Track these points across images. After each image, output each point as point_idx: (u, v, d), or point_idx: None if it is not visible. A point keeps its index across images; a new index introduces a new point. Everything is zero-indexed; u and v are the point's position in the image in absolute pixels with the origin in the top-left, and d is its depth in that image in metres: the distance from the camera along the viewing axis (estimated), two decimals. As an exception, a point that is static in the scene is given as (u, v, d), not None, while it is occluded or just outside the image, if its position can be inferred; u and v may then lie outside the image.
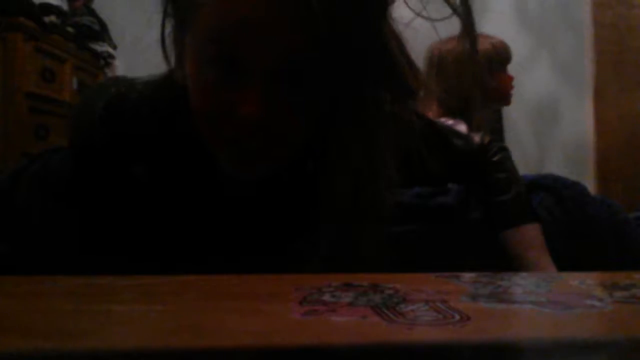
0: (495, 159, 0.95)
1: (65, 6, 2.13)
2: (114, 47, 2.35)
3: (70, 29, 2.07)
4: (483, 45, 1.65)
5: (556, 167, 2.53)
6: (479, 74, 1.62)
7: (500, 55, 1.72)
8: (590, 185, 2.56)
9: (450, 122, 1.50)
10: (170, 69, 0.72)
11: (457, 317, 0.43)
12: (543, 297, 0.51)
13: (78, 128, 0.71)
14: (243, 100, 0.56)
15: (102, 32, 2.28)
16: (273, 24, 0.53)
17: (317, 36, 0.53)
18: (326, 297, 0.50)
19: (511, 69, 2.49)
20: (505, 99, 1.77)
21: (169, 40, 0.72)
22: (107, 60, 2.32)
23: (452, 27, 0.64)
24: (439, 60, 1.62)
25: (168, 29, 0.72)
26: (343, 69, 0.57)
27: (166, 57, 0.72)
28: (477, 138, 0.98)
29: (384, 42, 0.61)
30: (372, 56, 0.58)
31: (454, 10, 0.63)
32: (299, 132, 0.61)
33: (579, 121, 2.53)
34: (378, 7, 0.63)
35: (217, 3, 0.55)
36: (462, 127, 1.52)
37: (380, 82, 0.61)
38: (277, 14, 0.53)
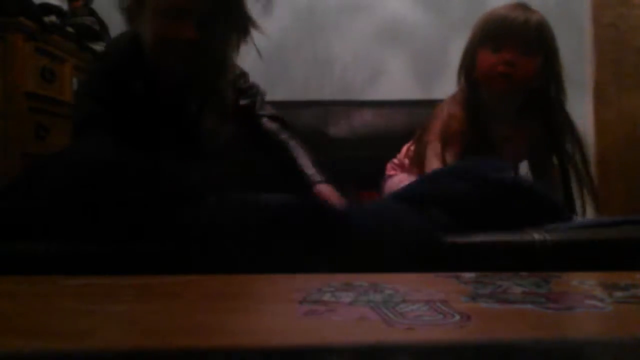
0: None
1: (65, 6, 2.13)
2: (114, 47, 2.35)
3: (70, 29, 2.07)
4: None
5: (556, 166, 2.53)
6: None
7: (485, 29, 1.37)
8: (590, 185, 2.56)
9: None
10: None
11: (457, 317, 0.43)
12: (543, 297, 0.51)
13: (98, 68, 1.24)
14: (184, 30, 1.06)
15: (102, 32, 2.28)
16: (192, 4, 1.06)
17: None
18: (326, 297, 0.50)
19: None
20: (485, 81, 1.38)
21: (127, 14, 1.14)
22: (107, 60, 2.32)
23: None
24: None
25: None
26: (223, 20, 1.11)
27: (129, 22, 1.15)
28: None
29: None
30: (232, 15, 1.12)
31: None
32: (205, 52, 1.11)
33: (579, 121, 2.52)
34: None
35: None
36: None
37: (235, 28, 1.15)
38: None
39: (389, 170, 1.62)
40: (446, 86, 1.56)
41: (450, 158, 1.33)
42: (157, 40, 1.08)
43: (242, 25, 1.14)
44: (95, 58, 1.33)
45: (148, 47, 1.11)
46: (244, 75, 1.39)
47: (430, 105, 1.95)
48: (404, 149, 1.62)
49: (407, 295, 0.51)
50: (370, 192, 2.00)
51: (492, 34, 1.33)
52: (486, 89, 1.37)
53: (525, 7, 1.36)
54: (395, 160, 1.64)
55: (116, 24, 2.41)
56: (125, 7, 1.12)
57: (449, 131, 1.36)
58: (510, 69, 1.31)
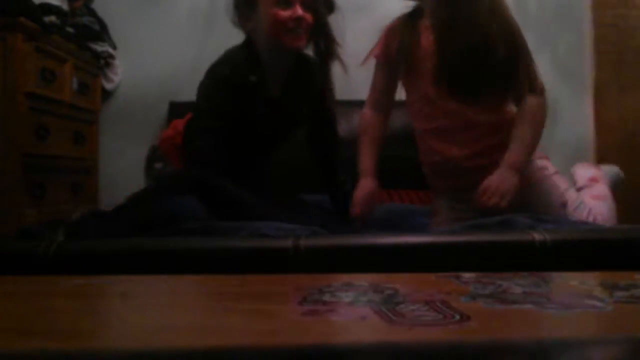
0: None
1: (65, 6, 2.13)
2: (114, 47, 2.35)
3: (70, 29, 2.07)
4: None
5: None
6: None
7: None
8: (590, 185, 2.56)
9: None
10: (245, 34, 1.42)
11: (457, 317, 0.43)
12: (543, 297, 0.51)
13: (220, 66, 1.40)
14: (294, 11, 1.34)
15: (102, 32, 2.28)
16: None
17: None
18: (326, 297, 0.50)
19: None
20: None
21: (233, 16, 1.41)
22: (107, 60, 2.31)
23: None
24: None
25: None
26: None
27: (239, 23, 1.41)
28: None
29: None
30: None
31: None
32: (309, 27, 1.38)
33: (579, 121, 2.53)
34: None
35: None
36: None
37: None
38: None
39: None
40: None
41: None
42: (275, 23, 1.34)
43: (329, 2, 1.44)
44: (212, 66, 1.41)
45: (268, 33, 1.35)
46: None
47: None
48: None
49: (407, 295, 0.51)
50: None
51: None
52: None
53: None
54: None
55: (116, 24, 2.41)
56: (239, 9, 1.39)
57: None
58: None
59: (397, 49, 1.38)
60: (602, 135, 2.53)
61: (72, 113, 2.06)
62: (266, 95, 1.40)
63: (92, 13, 2.28)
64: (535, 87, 1.25)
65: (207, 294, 0.57)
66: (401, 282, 0.57)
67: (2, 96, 1.67)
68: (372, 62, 1.54)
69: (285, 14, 1.33)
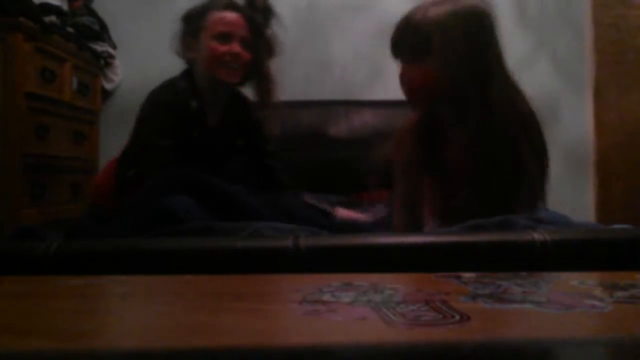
0: None
1: (65, 6, 2.13)
2: (114, 47, 2.35)
3: (70, 29, 2.07)
4: None
5: (556, 167, 2.52)
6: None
7: None
8: (590, 185, 2.56)
9: None
10: (185, 60, 1.50)
11: (457, 317, 0.43)
12: (543, 297, 0.51)
13: (161, 90, 1.45)
14: (231, 47, 1.42)
15: (102, 32, 2.28)
16: (240, 27, 1.44)
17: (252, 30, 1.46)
18: (326, 297, 0.50)
19: (511, 68, 2.48)
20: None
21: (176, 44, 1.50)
22: (107, 60, 2.31)
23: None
24: None
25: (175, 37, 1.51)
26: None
27: (181, 52, 1.49)
28: None
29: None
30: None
31: None
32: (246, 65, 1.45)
33: (579, 121, 2.53)
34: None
35: (217, 20, 1.44)
36: None
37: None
38: (241, 26, 1.44)
39: None
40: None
41: None
42: (212, 56, 1.42)
43: (269, 48, 1.49)
44: (152, 91, 1.46)
45: (205, 64, 1.44)
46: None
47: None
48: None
49: (407, 295, 0.51)
50: (369, 192, 2.00)
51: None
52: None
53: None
54: None
55: (116, 24, 2.41)
56: (182, 39, 1.47)
57: None
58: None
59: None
60: (602, 135, 2.53)
61: (72, 113, 2.06)
62: (204, 124, 1.46)
63: (92, 13, 2.28)
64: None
65: (207, 294, 0.56)
66: (401, 282, 0.57)
67: (2, 96, 1.67)
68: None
69: (222, 48, 1.41)
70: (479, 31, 1.08)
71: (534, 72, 2.47)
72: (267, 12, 1.49)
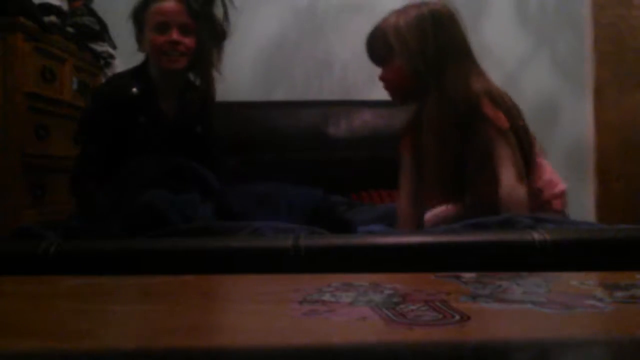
0: None
1: (65, 6, 2.13)
2: (114, 47, 2.34)
3: (70, 29, 2.07)
4: None
5: (556, 167, 2.52)
6: None
7: None
8: (590, 185, 2.56)
9: None
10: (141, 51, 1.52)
11: (457, 317, 0.43)
12: (543, 297, 0.51)
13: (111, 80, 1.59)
14: (169, 36, 1.42)
15: (102, 32, 2.28)
16: (177, 15, 1.44)
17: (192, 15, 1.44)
18: (326, 297, 0.50)
19: (511, 68, 2.48)
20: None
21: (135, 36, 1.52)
22: (107, 60, 2.31)
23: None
24: None
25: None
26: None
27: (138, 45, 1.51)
28: None
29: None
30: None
31: None
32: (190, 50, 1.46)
33: (579, 121, 2.52)
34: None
35: (155, 11, 1.45)
36: None
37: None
38: (178, 12, 1.44)
39: None
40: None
41: None
42: (153, 47, 1.44)
43: (214, 31, 1.48)
44: (94, 90, 1.56)
45: (151, 56, 1.47)
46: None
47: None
48: None
49: (407, 295, 0.51)
50: (368, 191, 2.00)
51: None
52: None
53: None
54: None
55: (116, 24, 2.41)
56: (135, 35, 1.51)
57: None
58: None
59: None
60: (602, 135, 2.53)
61: (72, 113, 2.05)
62: (156, 112, 1.48)
63: (92, 13, 2.28)
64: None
65: (207, 294, 0.57)
66: (401, 282, 0.57)
67: (2, 96, 1.67)
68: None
69: (160, 38, 1.43)
70: (434, 30, 1.23)
71: (534, 72, 2.47)
72: (201, 5, 1.47)
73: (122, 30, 2.44)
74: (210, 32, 1.48)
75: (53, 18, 1.96)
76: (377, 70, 1.35)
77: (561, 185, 1.32)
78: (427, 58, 1.21)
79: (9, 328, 0.43)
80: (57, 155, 1.92)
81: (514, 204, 1.18)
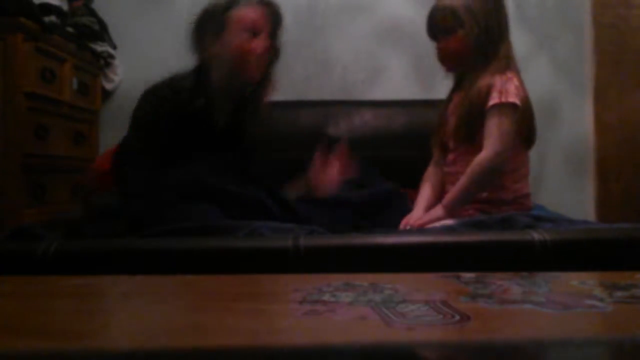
0: None
1: (65, 6, 2.13)
2: (114, 47, 2.35)
3: (70, 29, 2.07)
4: None
5: (556, 167, 2.52)
6: None
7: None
8: (590, 185, 2.56)
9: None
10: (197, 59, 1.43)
11: (457, 317, 0.43)
12: (543, 297, 0.51)
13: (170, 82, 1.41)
14: (259, 43, 1.37)
15: (102, 32, 2.28)
16: (264, 23, 1.39)
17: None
18: (326, 297, 0.50)
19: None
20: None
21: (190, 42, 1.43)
22: (107, 60, 2.31)
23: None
24: None
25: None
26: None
27: (198, 49, 1.41)
28: None
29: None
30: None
31: None
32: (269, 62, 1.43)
33: (579, 121, 2.52)
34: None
35: (245, 14, 1.38)
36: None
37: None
38: (264, 19, 1.39)
39: None
40: (446, 86, 1.56)
41: None
42: (243, 52, 1.36)
43: (279, 47, 1.46)
44: (151, 87, 1.42)
45: (231, 60, 1.36)
46: None
47: (430, 105, 1.94)
48: None
49: (407, 295, 0.51)
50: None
51: None
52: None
53: None
54: None
55: (116, 24, 2.41)
56: (201, 36, 1.40)
57: None
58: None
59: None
60: (602, 135, 2.52)
61: (72, 113, 2.05)
62: (210, 124, 1.38)
63: (92, 13, 2.28)
64: (488, 146, 1.33)
65: (207, 294, 0.56)
66: (401, 282, 0.57)
67: (2, 96, 1.67)
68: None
69: (251, 43, 1.35)
70: (496, 7, 1.42)
71: (534, 72, 2.46)
72: (279, 15, 1.43)
73: (122, 30, 2.45)
74: (277, 50, 1.44)
75: (53, 18, 1.96)
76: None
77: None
78: (490, 32, 1.40)
79: (9, 328, 0.43)
80: (57, 155, 1.92)
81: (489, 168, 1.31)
